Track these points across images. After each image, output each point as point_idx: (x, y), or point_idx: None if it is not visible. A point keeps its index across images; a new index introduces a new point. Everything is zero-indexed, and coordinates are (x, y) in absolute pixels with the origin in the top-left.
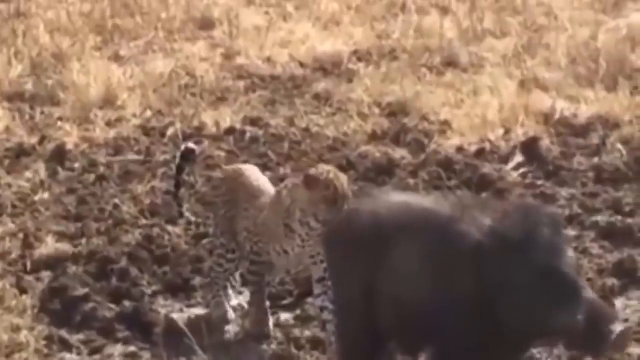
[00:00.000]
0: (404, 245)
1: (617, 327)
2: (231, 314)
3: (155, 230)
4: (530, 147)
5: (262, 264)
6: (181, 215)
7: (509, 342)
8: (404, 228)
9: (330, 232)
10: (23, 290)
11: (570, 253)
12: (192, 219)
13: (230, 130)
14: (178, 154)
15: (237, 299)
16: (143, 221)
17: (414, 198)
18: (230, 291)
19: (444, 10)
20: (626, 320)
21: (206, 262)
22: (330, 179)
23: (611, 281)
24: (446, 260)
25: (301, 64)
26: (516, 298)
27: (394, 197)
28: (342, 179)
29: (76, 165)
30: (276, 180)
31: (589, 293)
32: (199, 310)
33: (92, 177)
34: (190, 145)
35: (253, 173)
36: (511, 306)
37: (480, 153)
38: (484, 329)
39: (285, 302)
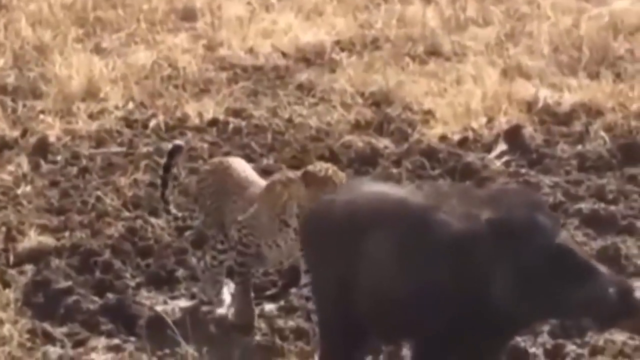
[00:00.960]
0: (381, 236)
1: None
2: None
3: (139, 222)
4: (513, 135)
5: (249, 256)
6: (168, 212)
7: (495, 331)
8: (381, 218)
9: (306, 223)
10: (6, 284)
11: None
12: (179, 214)
13: (213, 122)
14: (166, 152)
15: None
16: (126, 214)
17: (391, 188)
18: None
19: (427, 0)
20: None
21: (190, 254)
22: (329, 176)
23: None
24: (425, 250)
25: (284, 55)
26: (529, 282)
27: (370, 187)
28: (341, 176)
29: (59, 158)
30: (259, 172)
31: (602, 267)
32: (183, 303)
33: (74, 170)
34: (178, 142)
35: (240, 165)
36: (522, 291)
37: (463, 142)
38: (468, 318)
39: (269, 293)
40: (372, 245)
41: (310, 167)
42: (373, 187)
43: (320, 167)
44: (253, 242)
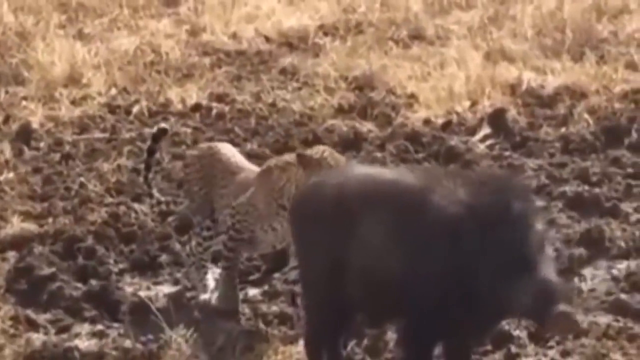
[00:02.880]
0: (373, 217)
1: (557, 310)
2: (212, 289)
3: (122, 208)
4: (497, 118)
5: (240, 242)
6: (151, 196)
7: (482, 314)
8: (372, 199)
9: (296, 205)
10: None
11: (539, 226)
12: (162, 199)
13: (196, 107)
14: (151, 135)
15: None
16: (109, 199)
17: (381, 170)
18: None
19: None
20: (593, 289)
21: (173, 240)
22: (324, 158)
23: (579, 251)
24: (419, 232)
25: (267, 39)
26: (484, 272)
27: (361, 169)
28: (338, 158)
29: (42, 144)
30: (244, 156)
31: (545, 271)
32: (166, 288)
33: (57, 156)
34: (163, 125)
35: (229, 150)
36: (481, 280)
37: (447, 125)
38: (457, 300)
39: (253, 278)
40: (364, 226)
41: (307, 151)
42: (363, 170)
43: (317, 150)
44: (247, 228)
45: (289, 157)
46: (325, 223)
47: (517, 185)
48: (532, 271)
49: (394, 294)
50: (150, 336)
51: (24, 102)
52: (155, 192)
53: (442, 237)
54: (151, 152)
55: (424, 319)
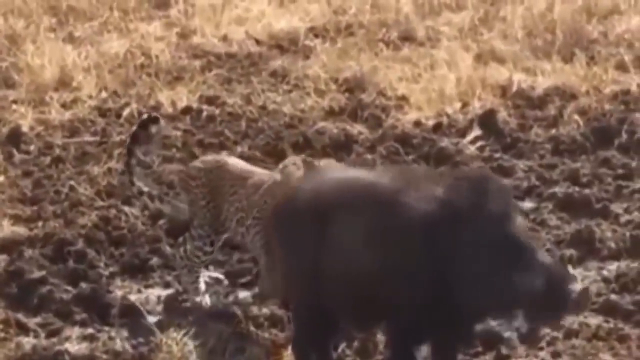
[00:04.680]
0: (350, 221)
1: (577, 287)
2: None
3: (112, 211)
4: (487, 120)
5: None
6: (132, 184)
7: (461, 314)
8: (349, 203)
9: (275, 211)
10: None
11: (519, 220)
12: (145, 189)
13: (187, 110)
14: (139, 121)
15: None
16: (99, 203)
17: (359, 172)
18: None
19: None
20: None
21: (164, 243)
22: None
23: (569, 252)
24: (394, 233)
25: (257, 42)
26: (472, 269)
27: (334, 173)
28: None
29: (32, 148)
30: None
31: (544, 256)
32: (157, 291)
33: (48, 159)
34: (154, 114)
35: (235, 160)
36: (468, 278)
37: (437, 127)
38: (435, 301)
39: (243, 280)
40: (338, 231)
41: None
42: (337, 173)
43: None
44: None
45: (305, 156)
46: (302, 228)
47: (493, 182)
48: (532, 260)
49: (376, 297)
50: (141, 339)
51: (14, 106)
52: (136, 180)
53: (418, 237)
54: (135, 137)
55: (407, 320)
